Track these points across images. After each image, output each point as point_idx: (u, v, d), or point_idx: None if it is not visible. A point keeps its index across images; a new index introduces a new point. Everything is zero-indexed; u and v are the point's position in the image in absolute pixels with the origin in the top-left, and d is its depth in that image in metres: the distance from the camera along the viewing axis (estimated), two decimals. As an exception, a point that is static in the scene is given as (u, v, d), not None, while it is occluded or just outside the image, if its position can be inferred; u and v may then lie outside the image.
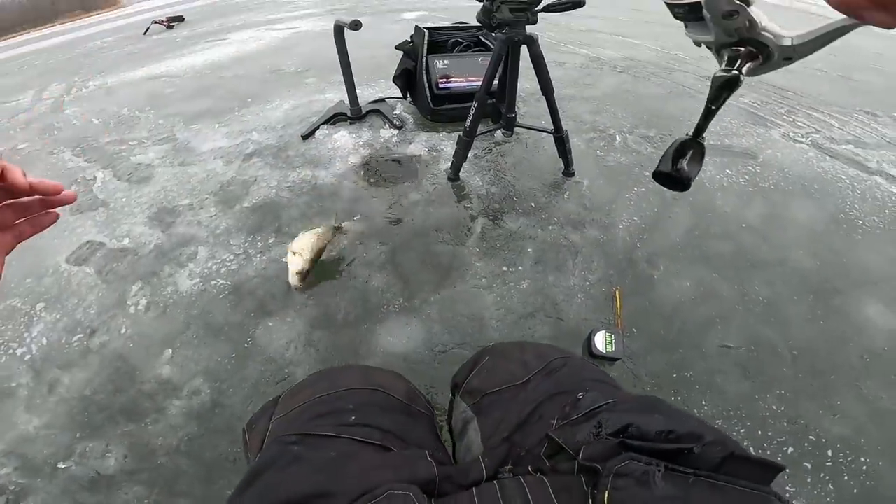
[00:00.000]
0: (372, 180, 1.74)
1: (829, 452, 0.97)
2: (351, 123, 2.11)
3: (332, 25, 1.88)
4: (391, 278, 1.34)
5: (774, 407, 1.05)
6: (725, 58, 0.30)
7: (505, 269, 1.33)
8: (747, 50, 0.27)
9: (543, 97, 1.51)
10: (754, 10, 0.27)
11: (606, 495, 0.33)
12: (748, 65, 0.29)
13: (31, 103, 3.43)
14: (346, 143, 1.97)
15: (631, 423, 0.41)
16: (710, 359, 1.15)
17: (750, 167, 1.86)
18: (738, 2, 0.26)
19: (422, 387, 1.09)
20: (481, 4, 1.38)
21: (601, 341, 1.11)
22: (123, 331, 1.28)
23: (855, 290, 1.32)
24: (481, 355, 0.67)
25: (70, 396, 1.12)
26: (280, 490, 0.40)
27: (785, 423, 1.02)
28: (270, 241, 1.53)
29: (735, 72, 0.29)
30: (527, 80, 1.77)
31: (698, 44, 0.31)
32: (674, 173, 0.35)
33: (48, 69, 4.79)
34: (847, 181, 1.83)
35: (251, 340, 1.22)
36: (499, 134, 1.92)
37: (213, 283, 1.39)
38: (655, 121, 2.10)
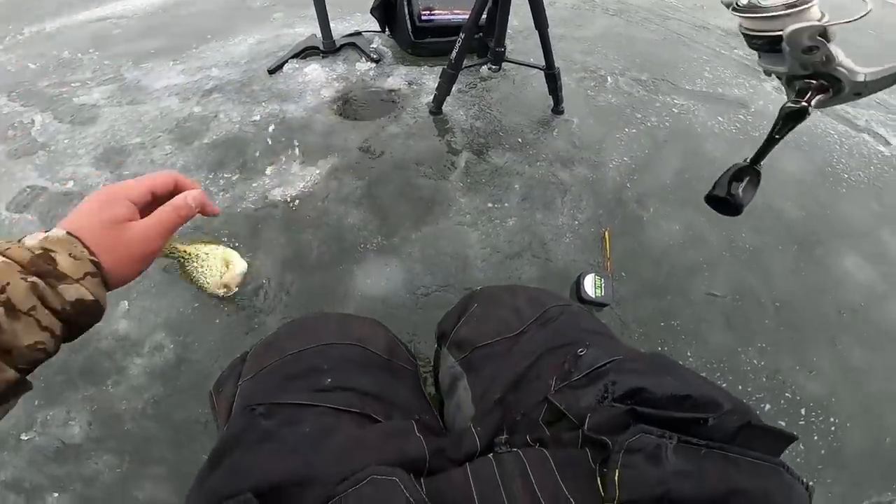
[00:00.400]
0: (347, 114, 1.60)
1: (803, 411, 0.99)
2: (324, 57, 1.92)
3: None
4: (368, 215, 1.24)
5: (755, 361, 1.05)
6: (796, 89, 0.29)
7: (490, 205, 1.25)
8: (819, 83, 0.28)
9: (536, 32, 1.39)
10: (832, 46, 0.27)
11: (617, 473, 0.31)
12: (818, 97, 0.29)
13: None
14: (318, 77, 1.79)
15: (641, 388, 0.38)
16: (697, 306, 1.13)
17: (741, 116, 1.82)
18: (819, 38, 0.26)
19: (403, 335, 1.01)
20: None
21: (590, 285, 1.07)
22: None
23: (837, 242, 1.33)
24: (469, 301, 0.61)
25: None
26: (250, 475, 0.35)
27: (764, 379, 1.02)
28: (234, 177, 1.39)
29: (804, 104, 0.28)
30: (515, 16, 1.63)
31: (769, 73, 0.31)
32: (728, 198, 0.33)
33: None
34: (836, 136, 1.82)
35: None
36: (484, 69, 1.78)
37: None
38: (648, 65, 2.00)
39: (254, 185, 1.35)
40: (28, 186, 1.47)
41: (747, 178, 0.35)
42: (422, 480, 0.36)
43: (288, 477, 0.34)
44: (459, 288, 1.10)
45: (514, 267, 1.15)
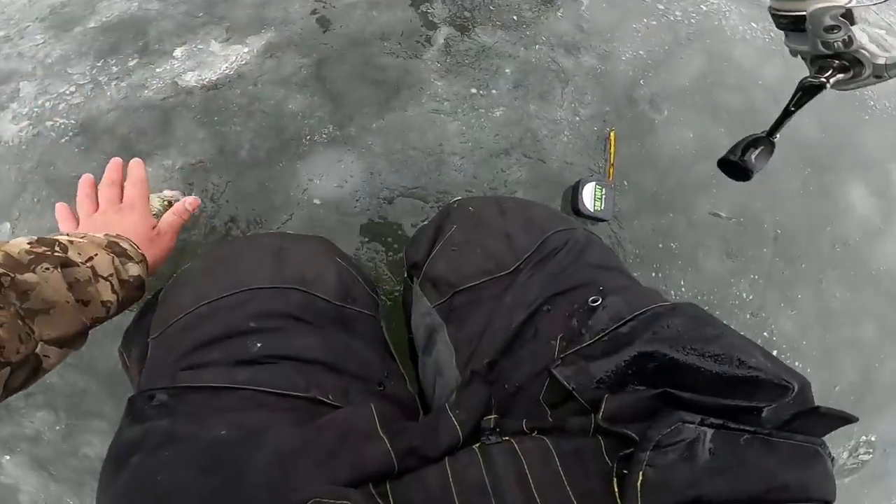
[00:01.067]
0: (290, -22, 1.25)
1: (774, 353, 0.92)
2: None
3: None
4: (316, 99, 0.97)
5: (744, 295, 1.00)
6: (817, 67, 0.31)
7: (474, 91, 1.00)
8: (840, 63, 0.29)
9: None
10: (856, 28, 0.28)
11: (641, 476, 0.24)
12: (838, 76, 0.30)
13: None
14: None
15: (673, 364, 0.30)
16: (698, 228, 1.03)
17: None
18: (842, 18, 0.26)
19: (362, 253, 0.82)
20: None
21: (590, 196, 0.89)
22: None
23: (847, 169, 1.24)
24: (446, 219, 0.47)
25: None
26: (155, 494, 0.28)
27: (748, 316, 0.99)
28: (131, 63, 1.08)
29: (823, 80, 0.29)
30: None
31: (794, 53, 0.32)
32: (739, 162, 0.34)
33: None
34: (870, 57, 1.62)
35: None
36: (475, -66, 1.42)
37: (48, 123, 1.00)
38: (673, -48, 1.67)
39: (157, 70, 1.06)
40: None
41: (762, 147, 0.33)
42: (388, 486, 0.29)
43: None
44: (433, 191, 0.89)
45: (499, 167, 0.93)
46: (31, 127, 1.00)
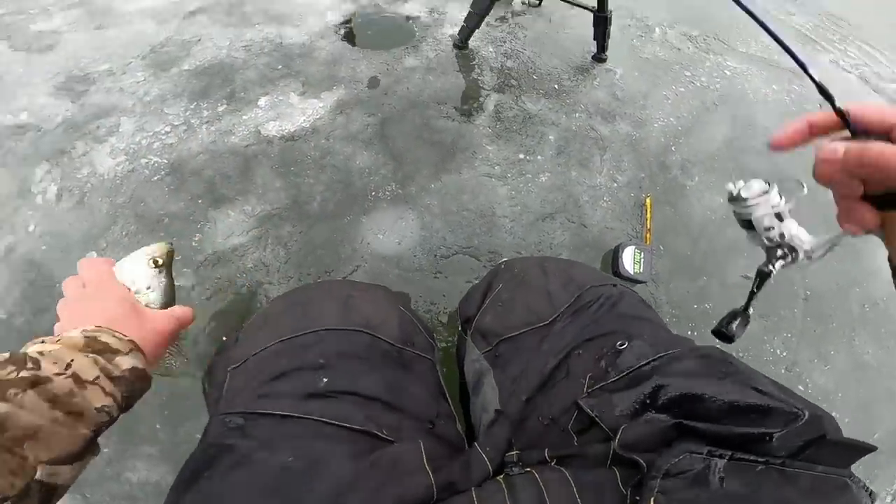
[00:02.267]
0: (356, 41, 1.38)
1: None
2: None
3: None
4: (380, 157, 1.07)
5: (778, 351, 1.02)
6: (767, 254, 0.38)
7: (522, 156, 1.09)
8: (782, 252, 0.36)
9: None
10: (786, 223, 0.36)
11: (652, 503, 0.26)
12: (780, 262, 0.37)
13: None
14: (322, -3, 1.54)
15: (693, 395, 0.32)
16: (731, 290, 1.07)
17: (795, 87, 1.66)
18: (776, 217, 0.35)
19: (420, 304, 0.89)
20: None
21: (629, 260, 0.96)
22: (32, 228, 1.01)
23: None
24: (495, 278, 0.52)
25: None
26: None
27: (783, 370, 1.01)
28: (220, 108, 1.20)
29: (770, 268, 0.37)
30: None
31: (754, 245, 0.39)
32: (724, 331, 0.41)
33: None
34: (888, 117, 1.69)
35: (200, 237, 0.97)
36: (517, 3, 1.55)
37: (143, 161, 1.10)
38: (700, 21, 1.79)
39: (244, 117, 1.17)
40: (-25, 119, 1.27)
41: (739, 319, 0.42)
42: None
43: None
44: (485, 251, 0.97)
45: (545, 230, 1.01)
46: (126, 162, 1.11)
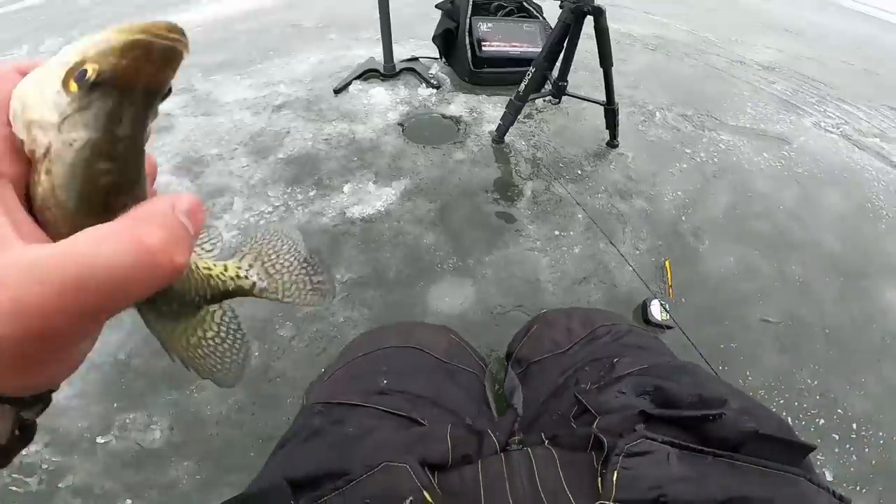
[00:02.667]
0: (413, 137, 1.70)
1: (854, 426, 1.04)
2: (384, 80, 2.04)
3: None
4: (443, 236, 1.32)
5: (808, 381, 1.11)
6: None
7: (557, 233, 1.33)
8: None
9: (584, 67, 1.49)
10: None
11: (616, 475, 0.32)
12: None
13: (27, 56, 3.20)
14: (382, 100, 1.90)
15: (657, 387, 0.41)
16: (753, 332, 1.20)
17: (784, 152, 1.89)
18: None
19: (482, 348, 1.08)
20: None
21: (657, 310, 1.14)
22: None
23: (879, 275, 1.40)
24: (532, 323, 0.70)
25: (102, 361, 1.02)
26: (294, 464, 0.40)
27: (817, 397, 1.08)
28: (311, 193, 1.48)
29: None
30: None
31: None
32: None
33: (43, 24, 4.42)
34: (873, 172, 1.88)
35: None
36: (540, 101, 1.88)
37: (252, 234, 1.35)
38: (692, 100, 2.09)
39: (332, 201, 1.45)
40: (109, 193, 1.58)
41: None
42: (436, 473, 0.38)
43: (322, 470, 0.38)
44: (532, 308, 1.17)
45: (582, 291, 1.22)
46: (239, 235, 1.35)
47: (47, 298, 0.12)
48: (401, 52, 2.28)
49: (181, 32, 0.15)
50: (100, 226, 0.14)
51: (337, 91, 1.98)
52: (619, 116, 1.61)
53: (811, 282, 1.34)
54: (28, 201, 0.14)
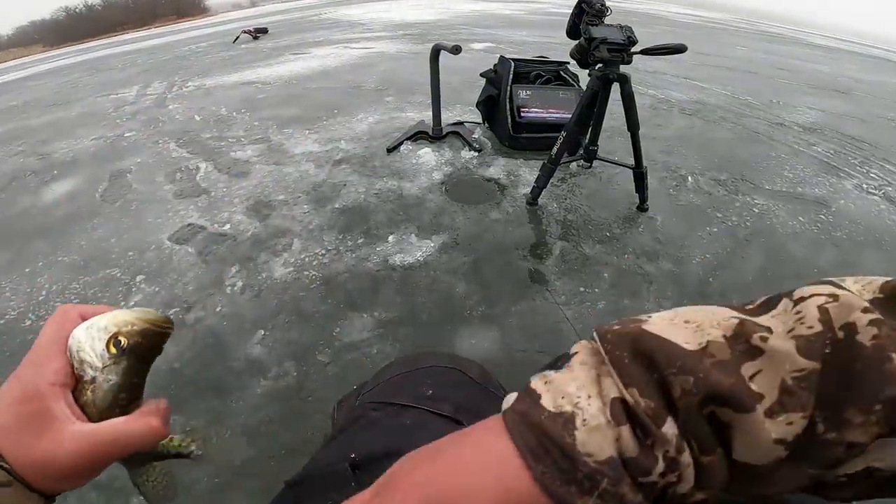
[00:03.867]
0: (454, 196, 1.90)
1: None
2: (431, 142, 2.30)
3: (416, 46, 2.09)
4: (474, 287, 1.46)
5: None
6: None
7: (582, 289, 1.43)
8: None
9: (616, 132, 1.63)
10: None
11: None
12: None
13: (136, 97, 3.89)
14: (428, 160, 2.14)
15: None
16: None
17: (822, 216, 1.87)
18: None
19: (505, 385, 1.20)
20: (575, 42, 1.53)
21: None
22: (218, 309, 1.40)
23: None
24: (561, 357, 0.78)
25: (158, 368, 1.20)
26: (354, 445, 0.44)
27: None
28: (360, 241, 1.69)
29: None
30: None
31: None
32: None
33: (149, 67, 5.40)
34: (923, 237, 1.81)
35: (339, 330, 1.33)
36: (573, 166, 2.03)
37: (305, 273, 1.53)
38: (727, 164, 2.15)
39: (377, 249, 1.64)
40: (189, 223, 1.85)
41: None
42: None
43: (382, 450, 0.40)
44: (554, 354, 1.25)
45: (603, 349, 1.29)
46: (294, 272, 1.53)
47: (94, 447, 0.27)
48: (448, 117, 2.57)
49: (172, 323, 0.31)
50: (122, 417, 0.29)
51: (390, 150, 2.26)
52: (651, 181, 1.71)
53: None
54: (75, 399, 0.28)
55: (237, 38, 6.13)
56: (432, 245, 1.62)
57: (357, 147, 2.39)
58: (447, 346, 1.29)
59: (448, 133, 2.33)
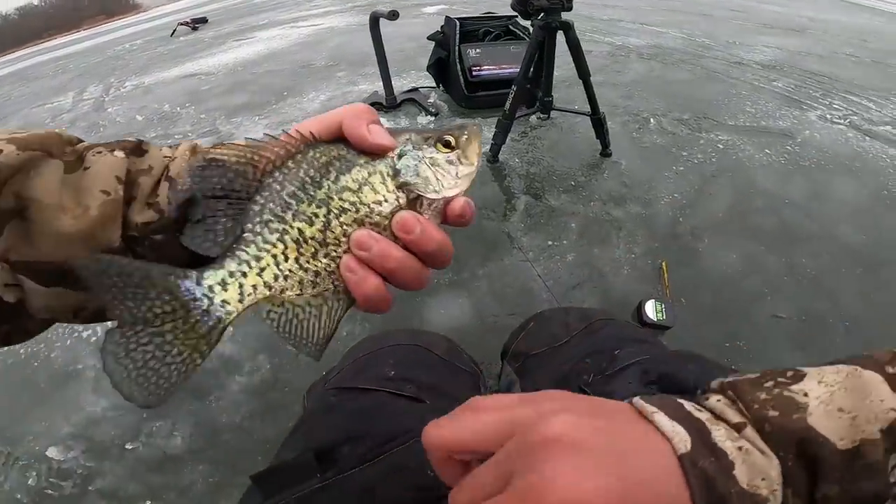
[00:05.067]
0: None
1: None
2: (387, 112, 2.18)
3: (367, 18, 1.94)
4: (439, 253, 1.38)
5: None
6: None
7: (550, 242, 1.37)
8: None
9: (578, 81, 1.55)
10: None
11: None
12: None
13: (73, 104, 3.60)
14: (383, 130, 2.02)
15: (662, 375, 0.42)
16: (762, 328, 1.16)
17: (788, 147, 1.86)
18: None
19: (478, 356, 1.12)
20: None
21: (651, 309, 1.11)
22: None
23: None
24: (529, 320, 0.70)
25: None
26: (316, 435, 0.44)
27: None
28: None
29: None
30: (557, 68, 1.80)
31: None
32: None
33: (83, 71, 5.00)
34: (888, 160, 1.81)
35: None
36: (534, 118, 1.95)
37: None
38: (689, 105, 2.11)
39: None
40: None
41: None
42: None
43: (342, 436, 0.41)
44: (526, 314, 1.19)
45: (575, 296, 1.24)
46: None
47: None
48: (404, 84, 2.43)
49: None
50: None
51: (342, 125, 2.13)
52: (613, 126, 1.65)
53: (825, 275, 1.29)
54: None
55: (174, 31, 5.72)
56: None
57: (308, 127, 2.24)
58: (417, 319, 1.23)
59: (403, 101, 2.21)
